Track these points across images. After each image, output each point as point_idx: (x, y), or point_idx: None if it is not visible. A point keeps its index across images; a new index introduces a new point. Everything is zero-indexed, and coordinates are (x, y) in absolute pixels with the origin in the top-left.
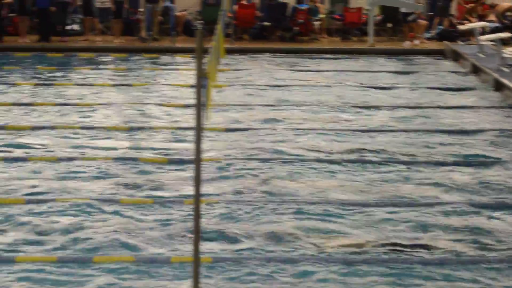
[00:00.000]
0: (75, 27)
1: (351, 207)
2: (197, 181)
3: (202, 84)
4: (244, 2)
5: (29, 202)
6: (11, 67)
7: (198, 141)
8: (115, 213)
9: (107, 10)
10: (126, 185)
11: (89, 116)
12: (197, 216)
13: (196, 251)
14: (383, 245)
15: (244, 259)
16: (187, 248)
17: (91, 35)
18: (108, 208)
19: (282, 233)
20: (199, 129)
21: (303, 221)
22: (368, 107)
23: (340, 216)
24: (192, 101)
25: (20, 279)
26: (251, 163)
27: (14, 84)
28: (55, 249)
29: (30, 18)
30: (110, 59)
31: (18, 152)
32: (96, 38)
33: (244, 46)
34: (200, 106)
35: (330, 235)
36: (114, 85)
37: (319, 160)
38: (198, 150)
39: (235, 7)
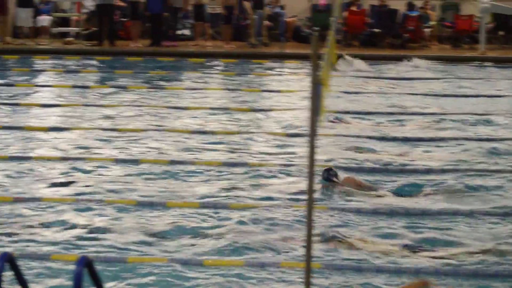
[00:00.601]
0: (186, 32)
1: None
2: (310, 187)
3: (316, 90)
4: (354, 9)
5: (139, 204)
6: (123, 71)
7: (311, 147)
8: (226, 218)
9: (217, 16)
10: (236, 189)
11: (199, 120)
12: (309, 221)
13: (308, 257)
14: None
15: (356, 266)
16: (297, 253)
17: (201, 40)
18: (219, 212)
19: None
20: (313, 136)
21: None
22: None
23: None
24: (304, 107)
25: (133, 278)
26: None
27: (125, 88)
28: (167, 251)
29: (142, 23)
30: (219, 64)
31: (130, 155)
32: (207, 43)
33: (354, 52)
34: (314, 113)
35: None
36: (224, 90)
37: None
38: (312, 157)
39: (345, 13)
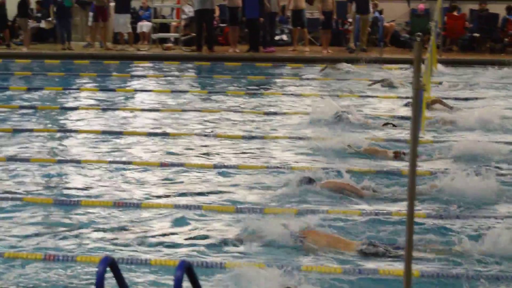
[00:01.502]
0: (284, 37)
1: None
2: (411, 194)
3: (418, 96)
4: (454, 13)
5: (237, 211)
6: (221, 76)
7: (413, 154)
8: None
9: (316, 21)
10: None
11: (295, 126)
12: (410, 229)
13: (408, 265)
14: None
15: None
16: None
17: (299, 46)
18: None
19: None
20: (415, 143)
21: None
22: None
23: None
24: (405, 113)
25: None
26: None
27: (224, 93)
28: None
29: (240, 28)
30: (317, 69)
31: (228, 160)
32: (305, 48)
33: (453, 57)
34: (417, 119)
35: None
36: (321, 95)
37: None
38: (414, 163)
39: (445, 18)
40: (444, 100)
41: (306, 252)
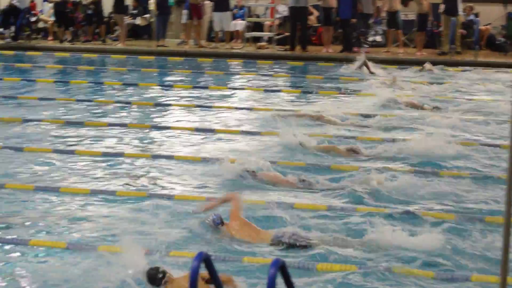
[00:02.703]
0: (378, 38)
1: None
2: (509, 199)
3: None
4: None
5: (329, 208)
6: (314, 76)
7: None
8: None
9: (411, 22)
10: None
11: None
12: (506, 233)
13: (504, 272)
14: None
15: None
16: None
17: (393, 47)
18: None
19: None
20: None
21: None
22: None
23: None
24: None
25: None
26: None
27: (316, 93)
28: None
29: (334, 29)
30: (410, 71)
31: (320, 161)
32: (399, 50)
33: None
34: None
35: None
36: (416, 97)
37: None
38: None
39: None
40: None
41: (221, 238)
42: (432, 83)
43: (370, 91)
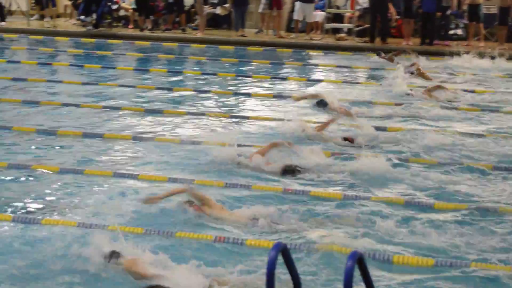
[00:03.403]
0: (459, 32)
1: None
2: None
3: None
4: None
5: (345, 198)
6: (393, 69)
7: None
8: None
9: (493, 16)
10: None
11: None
12: None
13: None
14: None
15: None
16: None
17: (474, 41)
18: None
19: None
20: None
21: None
22: None
23: None
24: None
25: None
26: None
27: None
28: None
29: (414, 21)
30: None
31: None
32: (479, 43)
33: None
34: None
35: None
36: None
37: None
38: None
39: None
40: None
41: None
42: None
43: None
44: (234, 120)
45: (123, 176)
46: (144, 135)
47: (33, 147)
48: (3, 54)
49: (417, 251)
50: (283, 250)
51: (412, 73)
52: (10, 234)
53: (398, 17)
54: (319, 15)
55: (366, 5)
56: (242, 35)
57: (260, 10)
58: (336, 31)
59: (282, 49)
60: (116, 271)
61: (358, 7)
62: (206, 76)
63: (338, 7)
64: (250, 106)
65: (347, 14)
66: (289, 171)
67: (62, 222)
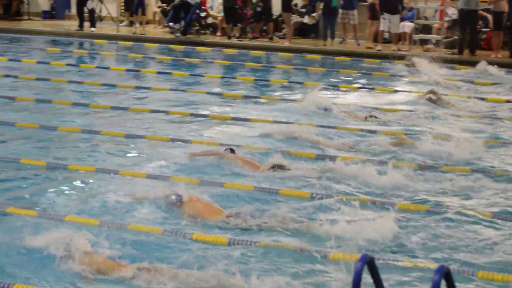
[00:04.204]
0: None
1: None
2: None
3: None
4: None
5: (429, 212)
6: (485, 82)
7: None
8: None
9: None
10: None
11: None
12: None
13: None
14: None
15: None
16: None
17: None
18: None
19: None
20: None
21: None
22: None
23: None
24: None
25: None
26: None
27: (484, 100)
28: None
29: (504, 34)
30: None
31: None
32: None
33: None
34: None
35: None
36: None
37: None
38: None
39: None
40: None
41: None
42: None
43: None
44: (321, 129)
45: (211, 184)
46: (230, 143)
47: (121, 152)
48: (93, 60)
49: None
50: (369, 262)
51: (430, 99)
52: None
53: (487, 29)
54: (407, 26)
55: (455, 16)
56: (329, 44)
57: (342, 20)
58: (424, 42)
59: (369, 59)
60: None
61: (447, 19)
62: (292, 85)
63: (426, 18)
64: (336, 116)
65: (436, 25)
66: (278, 166)
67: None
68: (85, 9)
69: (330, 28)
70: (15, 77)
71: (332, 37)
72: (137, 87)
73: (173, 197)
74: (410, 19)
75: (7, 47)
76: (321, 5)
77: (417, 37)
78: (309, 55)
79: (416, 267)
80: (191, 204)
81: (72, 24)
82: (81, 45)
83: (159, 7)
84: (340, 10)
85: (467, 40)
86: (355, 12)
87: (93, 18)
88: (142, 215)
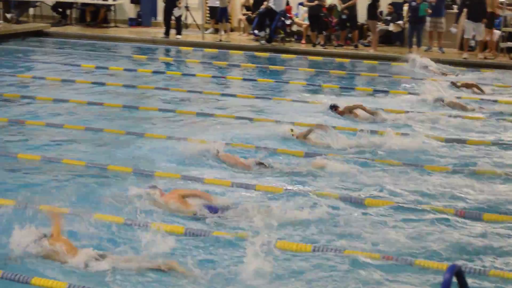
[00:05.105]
0: None
1: None
2: None
3: None
4: None
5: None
6: None
7: None
8: None
9: None
10: None
11: None
12: None
13: None
14: None
15: None
16: None
17: None
18: None
19: None
20: None
21: None
22: None
23: None
24: None
25: None
26: None
27: None
28: None
29: None
30: None
31: None
32: None
33: None
34: None
35: None
36: None
37: None
38: None
39: None
40: None
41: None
42: None
43: None
44: (406, 138)
45: (294, 193)
46: (314, 150)
47: (204, 158)
48: (179, 67)
49: None
50: (458, 272)
51: (442, 101)
52: None
53: None
54: (494, 34)
55: None
56: (412, 52)
57: (428, 28)
58: (510, 50)
59: (456, 67)
60: None
61: None
62: (377, 94)
63: None
64: (423, 125)
65: None
66: (261, 164)
67: None
68: (172, 17)
69: (416, 36)
70: (103, 84)
71: (419, 45)
72: (223, 94)
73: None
74: (497, 26)
75: (95, 54)
76: (407, 13)
77: (503, 45)
78: (394, 63)
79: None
80: (170, 197)
81: (157, 32)
82: (167, 52)
83: (244, 14)
84: (428, 18)
85: None
86: (443, 19)
87: (180, 26)
88: None
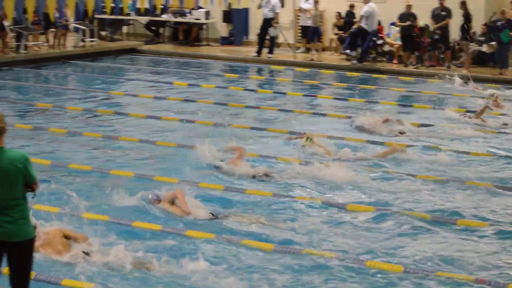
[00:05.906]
0: None
1: None
2: None
3: None
4: None
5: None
6: None
7: None
8: None
9: None
10: None
11: None
12: None
13: None
14: None
15: None
16: None
17: None
18: None
19: None
20: None
21: None
22: None
23: None
24: None
25: None
26: None
27: None
28: None
29: None
30: None
31: None
32: None
33: None
34: None
35: None
36: None
37: None
38: None
39: None
40: None
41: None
42: None
43: None
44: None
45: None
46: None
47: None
48: (271, 85)
49: None
50: None
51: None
52: None
53: None
54: None
55: None
56: (503, 74)
57: None
58: None
59: None
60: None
61: None
62: (469, 114)
63: None
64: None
65: None
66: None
67: None
68: (266, 36)
69: (500, 58)
70: (195, 101)
71: (504, 67)
72: (314, 114)
73: (151, 196)
74: None
75: (187, 72)
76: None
77: None
78: (488, 84)
79: None
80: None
81: (249, 50)
82: (258, 71)
83: (335, 34)
84: None
85: None
86: None
87: (273, 45)
88: None
